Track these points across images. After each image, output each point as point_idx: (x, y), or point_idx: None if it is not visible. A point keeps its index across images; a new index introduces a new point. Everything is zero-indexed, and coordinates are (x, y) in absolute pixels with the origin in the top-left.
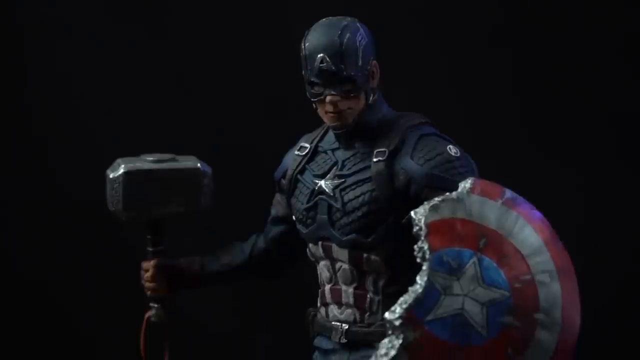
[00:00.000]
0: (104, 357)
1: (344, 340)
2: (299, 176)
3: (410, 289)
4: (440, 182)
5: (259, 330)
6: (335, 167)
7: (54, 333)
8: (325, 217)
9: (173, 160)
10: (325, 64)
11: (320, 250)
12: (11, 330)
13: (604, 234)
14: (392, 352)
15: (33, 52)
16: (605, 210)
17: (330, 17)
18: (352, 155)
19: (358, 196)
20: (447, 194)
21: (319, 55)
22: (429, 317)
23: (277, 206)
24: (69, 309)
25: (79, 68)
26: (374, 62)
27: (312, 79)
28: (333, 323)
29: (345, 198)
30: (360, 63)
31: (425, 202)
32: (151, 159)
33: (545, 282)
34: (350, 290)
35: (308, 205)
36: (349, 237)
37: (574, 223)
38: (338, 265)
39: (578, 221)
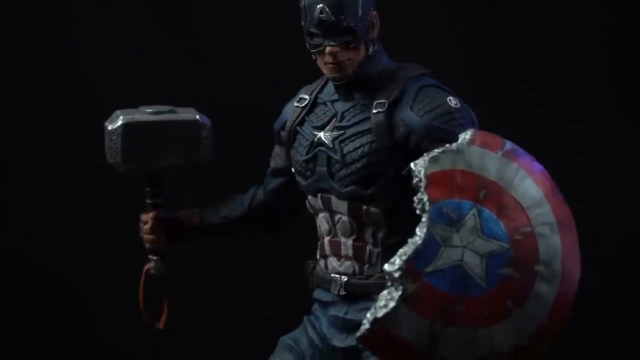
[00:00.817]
0: (103, 310)
1: (343, 293)
2: (298, 128)
3: (409, 240)
4: (440, 133)
5: (257, 283)
6: (334, 119)
7: (52, 287)
8: (325, 169)
9: (172, 112)
10: (324, 15)
11: (320, 202)
12: (11, 283)
13: (604, 186)
14: (392, 304)
15: (36, 5)
16: (605, 162)
17: None
18: (351, 107)
19: (357, 148)
20: (447, 145)
21: (318, 6)
22: (429, 269)
23: (277, 158)
24: (67, 263)
25: (80, 21)
26: (374, 12)
27: (311, 30)
28: (332, 275)
29: (345, 150)
30: (360, 14)
31: (425, 154)
32: (150, 110)
33: (545, 234)
34: (350, 242)
35: (307, 157)
36: (348, 189)
37: (574, 175)
38: (337, 217)
39: (578, 173)
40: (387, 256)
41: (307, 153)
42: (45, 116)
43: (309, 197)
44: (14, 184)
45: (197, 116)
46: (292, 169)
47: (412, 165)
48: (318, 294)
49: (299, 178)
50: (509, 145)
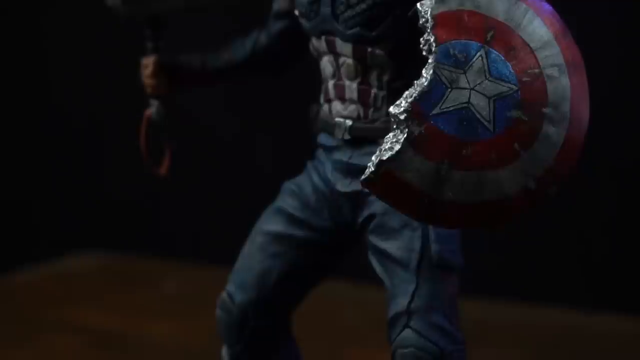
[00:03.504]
0: (106, 155)
1: (347, 137)
2: None
3: (415, 82)
4: None
5: (260, 129)
6: None
7: (56, 131)
8: (329, 9)
9: None
10: None
11: (324, 44)
12: (15, 130)
13: (613, 27)
14: (397, 147)
15: None
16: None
17: None
18: None
19: None
20: None
21: None
22: (435, 111)
23: (280, 0)
24: (70, 109)
25: None
26: None
27: None
28: (337, 119)
29: None
30: None
31: None
32: None
33: (554, 76)
34: (354, 85)
35: None
36: (352, 30)
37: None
38: (341, 60)
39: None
40: (392, 100)
41: None
42: None
43: (313, 39)
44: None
45: None
46: (296, 11)
47: (418, 5)
48: (322, 138)
49: (302, 20)
50: None
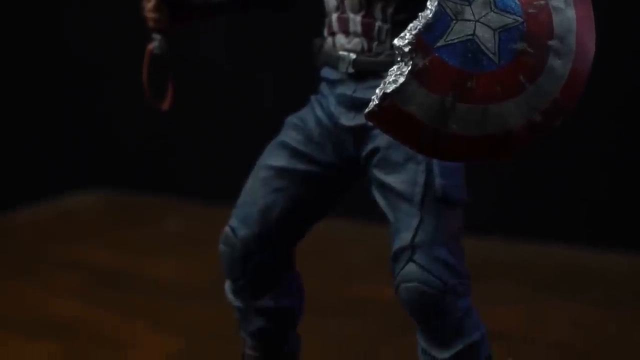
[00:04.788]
0: (109, 92)
1: (351, 70)
2: None
3: (420, 14)
4: None
5: (263, 64)
6: None
7: (57, 68)
8: None
9: None
10: None
11: None
12: (16, 67)
13: None
14: (401, 79)
15: None
16: None
17: None
18: None
19: None
20: None
21: None
22: (439, 43)
23: None
24: (71, 46)
25: None
26: None
27: None
28: (340, 53)
29: None
30: None
31: None
32: None
33: (559, 8)
34: (358, 18)
35: None
36: None
37: None
38: None
39: None
40: (397, 33)
41: None
42: None
43: None
44: None
45: None
46: None
47: None
48: (325, 72)
49: None
50: None
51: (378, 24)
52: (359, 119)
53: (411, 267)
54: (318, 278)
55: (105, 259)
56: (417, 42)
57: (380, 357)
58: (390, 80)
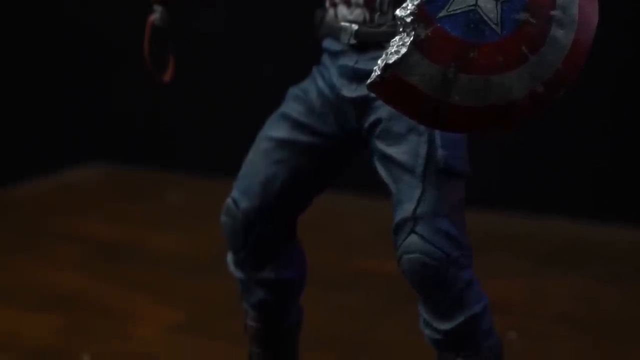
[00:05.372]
0: (110, 65)
1: (353, 41)
2: None
3: None
4: None
5: (264, 36)
6: None
7: (59, 41)
8: None
9: None
10: None
11: None
12: (17, 39)
13: None
14: (403, 50)
15: None
16: None
17: None
18: None
19: None
20: None
21: None
22: (442, 14)
23: None
24: (74, 18)
25: None
26: None
27: None
28: (342, 24)
29: None
30: None
31: None
32: None
33: None
34: None
35: None
36: None
37: None
38: None
39: None
40: (399, 3)
41: None
42: None
43: None
44: None
45: None
46: None
47: None
48: (327, 43)
49: None
50: None
51: None
52: (360, 90)
53: (413, 239)
54: (320, 251)
55: (107, 232)
56: (419, 13)
57: (382, 330)
58: (392, 51)
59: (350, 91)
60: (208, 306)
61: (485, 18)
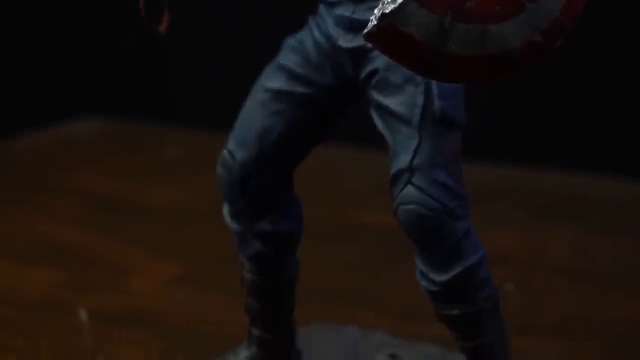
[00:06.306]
0: (106, 18)
1: None
2: None
3: None
4: None
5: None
6: None
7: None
8: None
9: None
10: None
11: None
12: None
13: None
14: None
15: None
16: None
17: None
18: None
19: None
20: None
21: None
22: None
23: None
24: None
25: None
26: None
27: None
28: None
29: None
30: None
31: None
32: None
33: None
34: None
35: None
36: None
37: None
38: None
39: None
40: None
41: None
42: None
43: None
44: None
45: None
46: None
47: None
48: None
49: None
50: None
51: None
52: (357, 41)
53: (410, 190)
54: (318, 204)
55: (105, 185)
56: None
57: (379, 282)
58: (389, 0)
59: (347, 41)
60: (207, 259)
61: None
